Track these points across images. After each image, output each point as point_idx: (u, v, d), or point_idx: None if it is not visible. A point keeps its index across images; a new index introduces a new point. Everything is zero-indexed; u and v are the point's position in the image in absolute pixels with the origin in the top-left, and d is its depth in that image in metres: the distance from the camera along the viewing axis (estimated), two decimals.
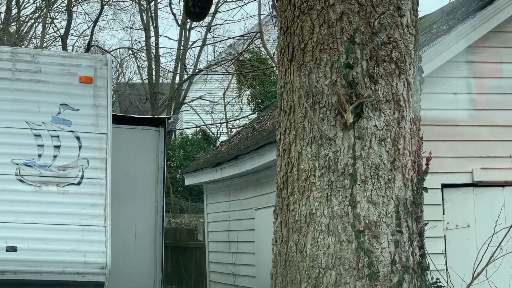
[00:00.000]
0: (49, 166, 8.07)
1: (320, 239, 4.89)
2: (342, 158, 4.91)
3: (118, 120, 9.44)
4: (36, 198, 7.97)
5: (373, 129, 4.93)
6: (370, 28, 4.99)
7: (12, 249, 7.72)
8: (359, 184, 4.88)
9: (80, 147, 8.17)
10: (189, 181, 15.06)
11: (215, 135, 26.83)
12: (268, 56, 21.01)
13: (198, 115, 26.02)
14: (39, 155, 8.07)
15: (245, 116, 24.58)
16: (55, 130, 8.15)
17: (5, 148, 8.03)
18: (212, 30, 27.15)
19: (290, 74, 5.17)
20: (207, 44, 27.40)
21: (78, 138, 8.19)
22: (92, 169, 8.15)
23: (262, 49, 22.46)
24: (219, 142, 23.14)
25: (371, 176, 4.89)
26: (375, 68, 4.97)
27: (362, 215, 4.85)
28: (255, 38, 20.56)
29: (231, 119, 25.25)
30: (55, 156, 8.10)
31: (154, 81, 26.59)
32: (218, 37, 27.46)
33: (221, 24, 29.33)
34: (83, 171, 8.12)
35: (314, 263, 4.88)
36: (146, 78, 27.66)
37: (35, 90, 8.22)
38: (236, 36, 25.39)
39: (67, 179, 8.08)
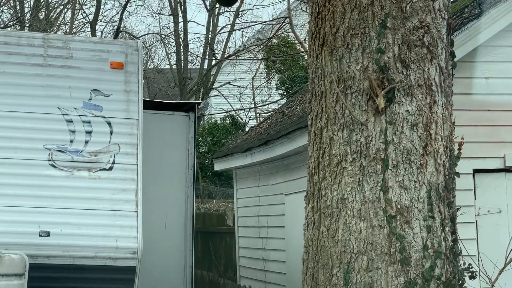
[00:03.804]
0: (81, 152, 8.11)
1: (351, 224, 4.89)
2: (374, 143, 4.91)
3: (148, 105, 9.46)
4: (68, 183, 8.01)
5: (405, 114, 4.93)
6: (402, 13, 4.97)
7: (45, 234, 7.78)
8: (390, 169, 4.88)
9: (111, 133, 8.20)
10: (218, 166, 15.09)
11: (244, 121, 26.84)
12: (296, 41, 20.94)
13: (227, 100, 26.05)
14: (71, 141, 8.11)
15: (274, 102, 24.57)
16: (86, 116, 8.19)
17: (38, 133, 8.08)
18: (240, 15, 27.13)
19: (321, 59, 5.16)
20: (235, 30, 27.40)
21: (109, 123, 8.22)
22: (123, 155, 8.17)
23: (291, 34, 22.41)
24: (247, 128, 23.16)
25: (403, 161, 4.89)
26: (407, 53, 4.96)
27: (394, 200, 4.85)
28: (284, 23, 20.50)
29: (259, 105, 25.24)
30: (86, 142, 8.14)
31: (182, 67, 26.64)
32: (247, 22, 27.44)
33: (249, 9, 29.23)
34: (114, 157, 8.15)
35: (345, 248, 4.89)
36: (175, 64, 27.71)
37: (66, 76, 8.25)
38: (265, 22, 25.34)
39: (98, 165, 8.11)
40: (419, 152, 4.92)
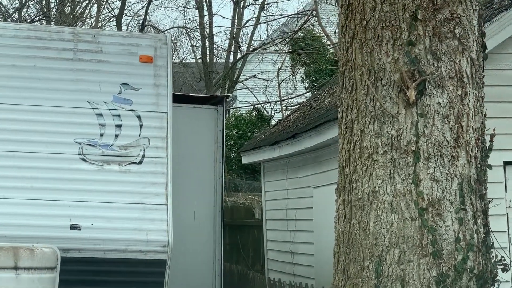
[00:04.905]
0: (111, 145, 8.15)
1: (383, 217, 4.89)
2: (405, 136, 4.91)
3: (177, 99, 9.46)
4: (99, 177, 8.06)
5: (436, 106, 4.91)
6: (433, 4, 4.96)
7: (76, 227, 7.84)
8: (422, 162, 4.87)
9: (141, 126, 8.24)
10: (246, 159, 15.09)
11: (270, 114, 26.82)
12: (322, 34, 20.89)
13: (252, 94, 26.04)
14: (101, 135, 8.16)
15: (300, 95, 24.53)
16: (116, 110, 8.22)
17: (68, 127, 8.13)
18: (265, 8, 27.10)
19: (351, 52, 5.16)
20: (261, 23, 27.40)
21: (139, 117, 8.25)
22: (153, 148, 8.20)
23: (316, 26, 22.35)
24: (273, 121, 23.14)
25: (434, 153, 4.88)
26: (438, 45, 4.94)
27: (426, 192, 4.84)
28: (310, 16, 20.45)
29: (285, 98, 25.21)
30: (116, 136, 8.18)
31: (208, 60, 26.66)
32: (272, 16, 27.42)
33: (274, 2, 29.17)
34: (144, 150, 8.18)
35: (377, 241, 4.89)
36: (200, 57, 27.75)
37: (96, 70, 8.29)
38: (291, 15, 25.30)
39: (128, 158, 8.15)
40: (451, 144, 4.90)
